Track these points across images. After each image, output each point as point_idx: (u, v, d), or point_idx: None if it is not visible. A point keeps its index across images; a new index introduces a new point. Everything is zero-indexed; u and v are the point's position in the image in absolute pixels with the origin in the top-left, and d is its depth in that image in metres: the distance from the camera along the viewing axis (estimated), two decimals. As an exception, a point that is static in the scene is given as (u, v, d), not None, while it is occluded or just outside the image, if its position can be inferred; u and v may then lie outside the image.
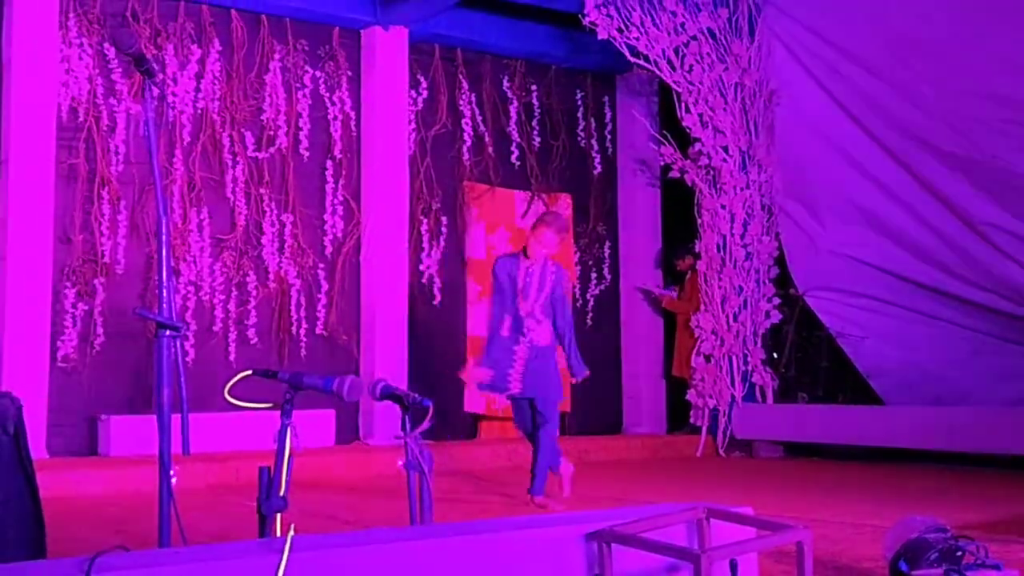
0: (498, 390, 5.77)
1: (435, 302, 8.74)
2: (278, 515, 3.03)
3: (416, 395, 3.37)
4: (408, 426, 3.31)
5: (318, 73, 8.28)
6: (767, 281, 9.12)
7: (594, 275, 9.86)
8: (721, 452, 8.96)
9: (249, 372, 3.23)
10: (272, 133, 8.01)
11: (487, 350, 5.72)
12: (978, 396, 8.43)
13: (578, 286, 9.74)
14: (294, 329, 8.02)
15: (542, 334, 5.68)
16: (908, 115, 8.24)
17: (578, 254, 9.77)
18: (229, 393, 3.15)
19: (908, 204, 8.54)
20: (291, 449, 3.08)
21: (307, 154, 8.16)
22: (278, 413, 3.10)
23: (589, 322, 9.76)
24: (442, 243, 8.84)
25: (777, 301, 9.12)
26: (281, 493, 3.02)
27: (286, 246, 8.04)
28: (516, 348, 5.62)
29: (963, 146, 7.92)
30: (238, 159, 7.86)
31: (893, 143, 8.49)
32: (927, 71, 7.99)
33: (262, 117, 7.99)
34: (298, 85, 8.16)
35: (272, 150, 8.01)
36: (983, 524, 4.60)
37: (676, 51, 8.77)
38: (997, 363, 8.50)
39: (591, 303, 9.81)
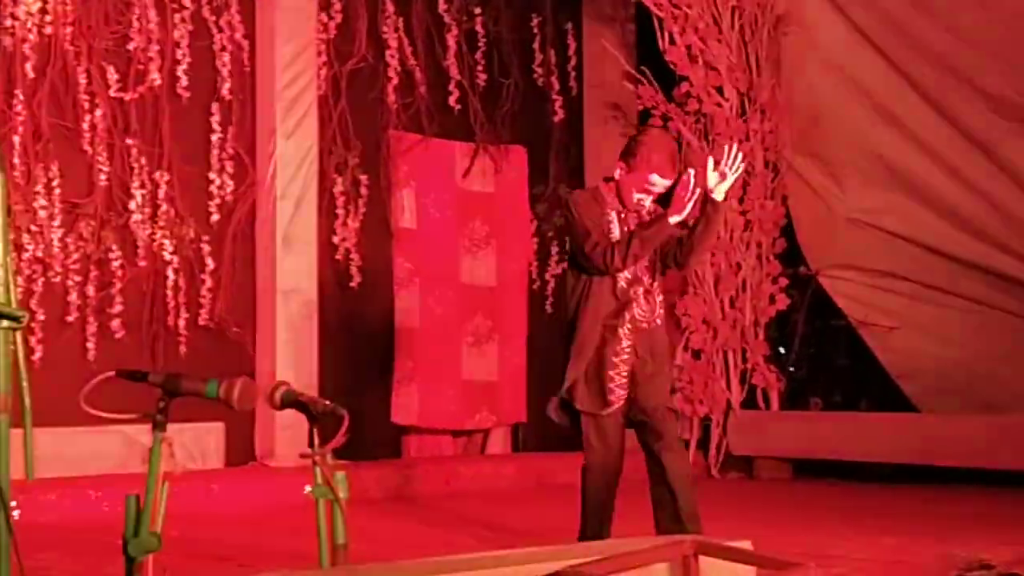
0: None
1: (352, 284, 8.71)
2: (150, 557, 3.01)
3: (328, 402, 3.36)
4: (317, 442, 3.30)
5: (201, -10, 8.19)
6: (771, 257, 9.21)
7: (555, 249, 9.88)
8: (714, 472, 9.05)
9: (112, 373, 3.20)
10: (141, 68, 7.90)
11: None
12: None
13: (535, 263, 9.76)
14: (171, 319, 7.95)
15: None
16: (950, 49, 8.35)
17: (535, 223, 9.79)
18: (86, 401, 3.12)
19: (949, 162, 8.66)
20: (166, 472, 3.05)
21: (187, 95, 8.07)
22: (149, 426, 3.08)
23: (550, 309, 9.78)
24: (361, 208, 8.80)
25: (784, 283, 9.22)
26: (154, 529, 2.99)
27: (160, 213, 7.95)
28: None
29: (1017, 90, 8.03)
30: (98, 101, 7.74)
31: (932, 84, 8.59)
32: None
33: (128, 47, 7.88)
34: (175, 6, 8.05)
35: (141, 90, 7.90)
36: (1038, 559, 4.68)
37: (658, -35, 8.80)
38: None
39: (551, 285, 9.83)
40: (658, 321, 4.90)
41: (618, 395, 4.80)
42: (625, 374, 4.80)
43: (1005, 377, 8.73)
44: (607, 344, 4.77)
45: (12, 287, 2.97)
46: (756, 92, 9.14)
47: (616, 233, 4.80)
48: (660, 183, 4.81)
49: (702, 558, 2.95)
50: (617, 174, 4.83)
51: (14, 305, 2.92)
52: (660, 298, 4.93)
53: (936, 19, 8.36)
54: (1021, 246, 8.48)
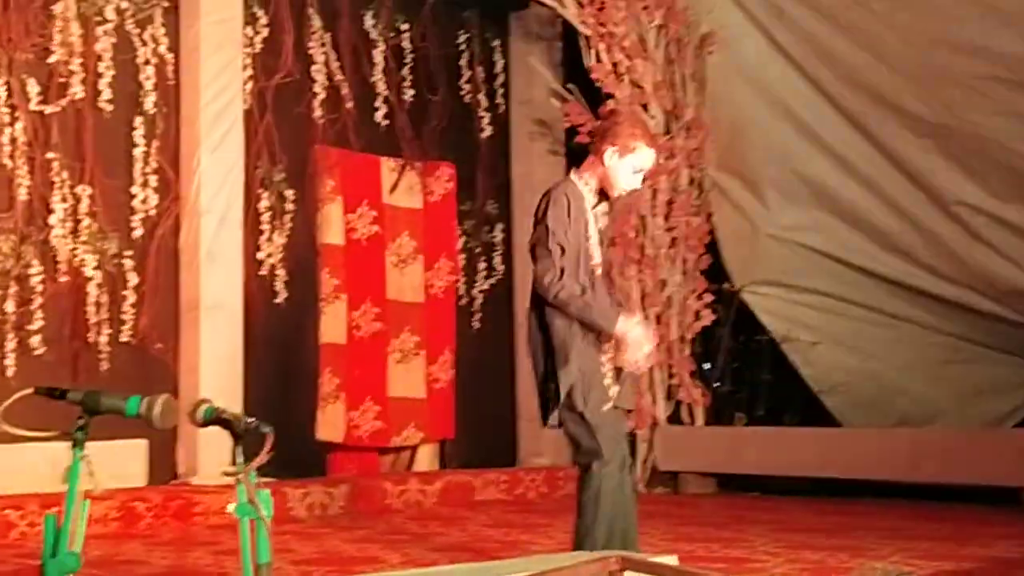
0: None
1: (278, 300, 8.64)
2: (69, 578, 2.96)
3: (251, 420, 3.32)
4: (241, 460, 3.26)
5: (124, 3, 8.09)
6: (697, 274, 9.28)
7: (482, 265, 9.89)
8: (641, 487, 9.08)
9: (31, 391, 3.15)
10: (63, 81, 7.80)
11: None
12: (951, 415, 8.73)
13: (462, 279, 9.75)
14: (92, 336, 7.84)
15: None
16: (868, 70, 8.48)
17: (463, 239, 9.79)
18: (4, 418, 3.07)
19: (868, 178, 8.79)
20: (87, 491, 3.01)
21: (110, 108, 7.98)
22: (69, 444, 3.03)
23: (477, 324, 9.79)
24: (287, 224, 8.74)
25: (709, 299, 9.29)
26: (73, 549, 2.95)
27: (82, 228, 7.84)
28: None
29: (932, 108, 8.19)
30: (18, 114, 7.63)
31: (851, 103, 8.72)
32: (890, 15, 8.22)
33: (50, 60, 7.78)
34: (98, 18, 7.97)
35: (63, 103, 7.80)
36: (958, 572, 4.76)
37: (584, -17, 8.85)
38: (974, 374, 8.82)
39: (479, 300, 9.83)
40: None
41: (614, 391, 4.66)
42: (611, 373, 4.70)
43: (921, 391, 8.90)
44: (592, 345, 4.60)
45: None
46: (681, 110, 9.22)
47: (594, 239, 4.63)
48: (651, 158, 4.67)
49: (628, 573, 2.96)
50: (610, 158, 4.57)
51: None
52: None
53: (856, 40, 8.48)
54: (936, 261, 8.64)
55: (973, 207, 8.30)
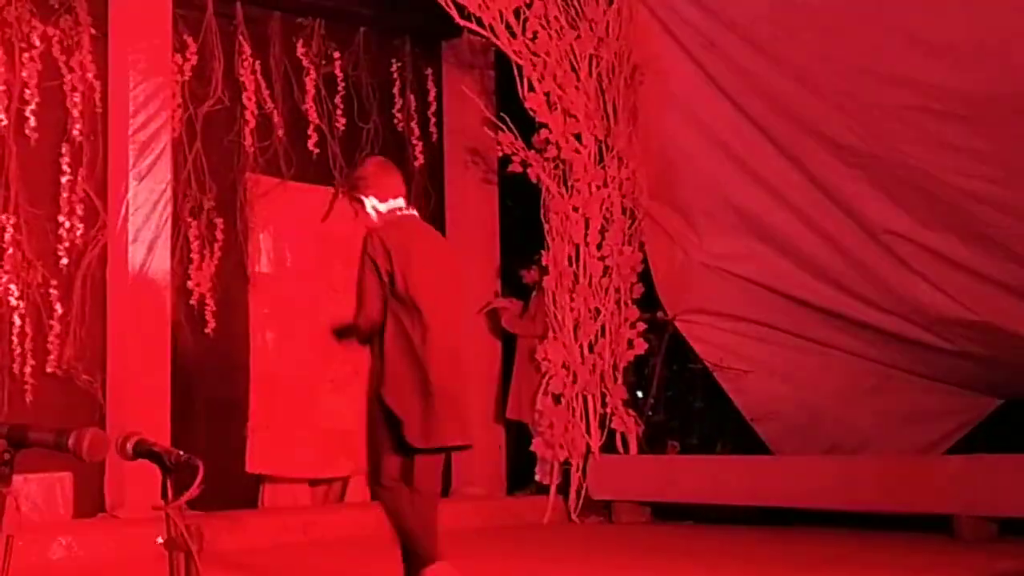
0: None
1: (207, 330, 8.54)
2: (-9, 617, 2.87)
3: (181, 453, 3.25)
4: (171, 493, 3.19)
5: (51, 30, 8.00)
6: (630, 302, 9.31)
7: (414, 294, 9.84)
8: (574, 517, 9.05)
9: (-48, 424, 3.05)
10: (-12, 107, 7.70)
11: None
12: (881, 442, 8.81)
13: (394, 308, 9.69)
14: (16, 367, 7.70)
15: None
16: (798, 99, 8.57)
17: (394, 268, 9.74)
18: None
19: (798, 207, 8.87)
20: (11, 526, 2.92)
21: (35, 136, 7.87)
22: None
23: (408, 354, 9.73)
24: (217, 253, 8.65)
25: (642, 327, 9.31)
26: (-4, 587, 2.86)
27: (6, 256, 7.72)
28: None
29: (861, 138, 8.29)
30: (-60, 140, 7.51)
31: (779, 132, 8.81)
32: (818, 44, 8.32)
33: (-27, 85, 7.67)
34: (23, 45, 7.87)
35: (-13, 129, 7.69)
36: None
37: (516, 13, 8.87)
38: (903, 401, 8.92)
39: (411, 330, 9.78)
40: None
41: None
42: None
43: (851, 418, 8.97)
44: None
45: None
46: (613, 139, 9.26)
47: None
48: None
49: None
50: (372, 205, 5.24)
51: None
52: None
53: (784, 70, 8.57)
54: (866, 289, 8.73)
55: (901, 236, 8.39)
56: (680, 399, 9.72)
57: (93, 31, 8.17)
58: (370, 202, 5.23)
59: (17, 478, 2.98)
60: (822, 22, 8.23)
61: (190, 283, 8.48)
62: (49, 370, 7.84)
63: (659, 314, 9.48)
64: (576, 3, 9.12)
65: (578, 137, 9.13)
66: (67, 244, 7.99)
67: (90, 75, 8.14)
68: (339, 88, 9.45)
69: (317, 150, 9.28)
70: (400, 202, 5.26)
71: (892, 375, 8.97)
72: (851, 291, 8.82)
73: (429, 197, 10.00)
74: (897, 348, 8.82)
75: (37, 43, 7.92)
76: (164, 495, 3.21)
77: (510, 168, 9.27)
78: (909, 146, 8.04)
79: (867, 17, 8.05)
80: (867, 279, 8.70)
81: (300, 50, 9.26)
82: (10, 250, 7.73)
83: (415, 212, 5.45)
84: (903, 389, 8.96)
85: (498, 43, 8.94)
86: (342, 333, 5.33)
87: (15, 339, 7.71)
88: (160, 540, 3.25)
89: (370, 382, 5.13)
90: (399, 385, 5.00)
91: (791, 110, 8.66)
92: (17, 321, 7.73)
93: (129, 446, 3.28)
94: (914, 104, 7.85)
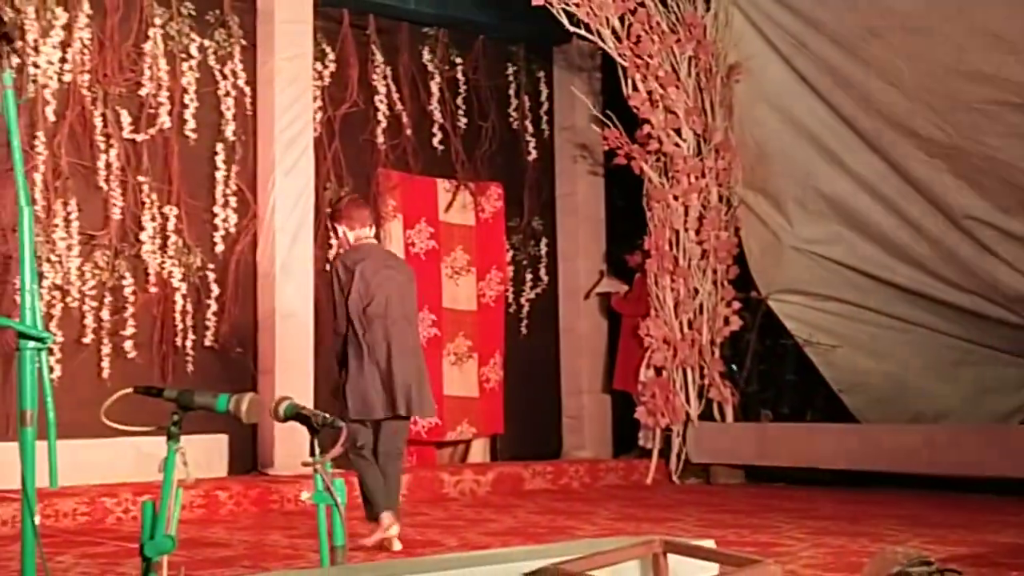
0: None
1: (345, 308, 8.67)
2: (164, 558, 2.99)
3: (327, 415, 3.34)
4: (317, 452, 3.28)
5: (207, 42, 8.18)
6: (726, 283, 9.24)
7: (529, 276, 9.89)
8: (674, 478, 9.04)
9: (130, 390, 3.18)
10: (153, 111, 7.89)
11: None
12: (962, 412, 8.63)
13: (511, 289, 9.76)
14: (179, 341, 7.91)
15: None
16: (884, 96, 8.41)
17: (511, 252, 9.80)
18: (106, 415, 3.09)
19: (883, 195, 8.72)
20: (180, 480, 3.03)
21: (194, 136, 8.06)
22: (162, 439, 3.05)
23: (524, 330, 9.78)
24: (353, 240, 8.78)
25: (737, 306, 9.24)
26: (168, 532, 2.97)
27: (169, 244, 7.92)
28: None
29: (944, 131, 8.11)
30: (112, 142, 7.72)
31: (867, 126, 8.66)
32: (904, 46, 8.16)
33: (141, 93, 7.87)
34: (183, 56, 8.05)
35: (152, 131, 7.88)
36: (971, 556, 4.71)
37: (621, 19, 8.83)
38: (983, 374, 8.71)
39: (525, 308, 9.83)
40: None
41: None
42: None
43: (934, 390, 8.79)
44: None
45: (39, 311, 2.95)
46: (711, 133, 9.18)
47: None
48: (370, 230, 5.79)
49: (670, 556, 2.95)
50: (343, 232, 5.73)
51: (40, 328, 2.90)
52: None
53: (872, 69, 8.43)
54: (948, 271, 8.55)
55: (982, 221, 8.21)
56: (772, 371, 9.61)
57: (244, 43, 8.34)
58: (342, 229, 5.74)
59: (181, 438, 3.10)
60: (908, 23, 8.07)
61: (329, 267, 8.61)
62: (207, 344, 8.04)
63: (753, 294, 9.39)
64: (676, 8, 9.06)
65: (678, 132, 9.08)
66: (222, 232, 8.17)
67: (241, 82, 8.31)
68: (461, 90, 9.51)
69: (441, 147, 9.36)
70: (367, 231, 5.74)
71: (972, 350, 8.76)
72: (934, 272, 8.64)
73: (541, 189, 10.03)
74: (977, 325, 8.61)
75: (195, 54, 8.11)
76: (312, 453, 3.31)
77: (615, 161, 9.25)
78: (990, 137, 7.86)
79: (951, 17, 7.88)
80: (949, 261, 8.52)
81: (426, 57, 9.34)
82: (173, 238, 7.94)
83: (375, 240, 5.93)
84: (983, 363, 8.74)
85: (605, 47, 8.92)
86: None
87: (178, 316, 7.93)
88: (305, 494, 3.35)
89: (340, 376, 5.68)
90: (356, 378, 5.50)
91: (877, 105, 8.51)
92: (179, 301, 7.94)
93: (281, 409, 3.39)
94: (995, 99, 7.67)
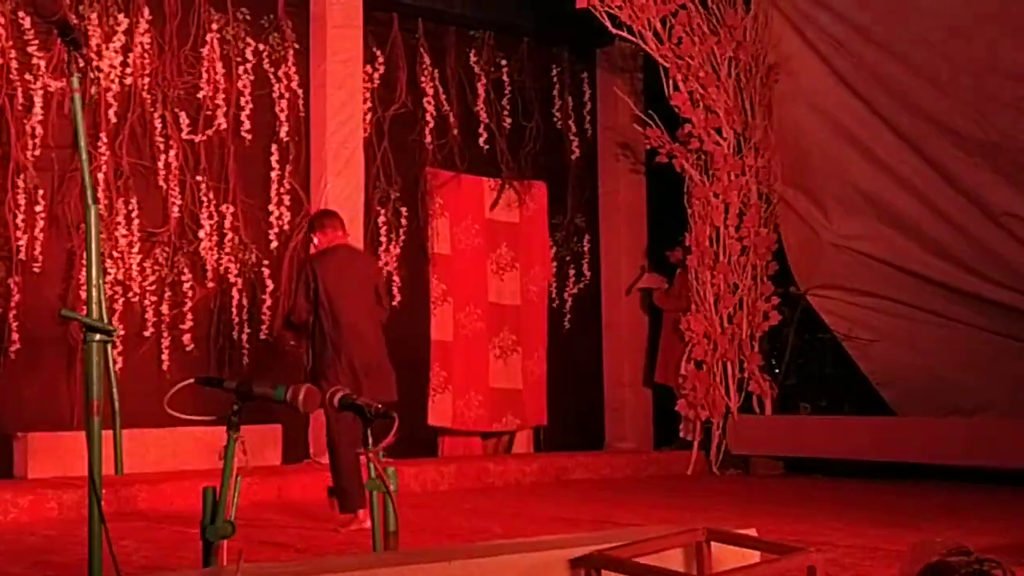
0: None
1: (394, 303, 8.71)
2: (224, 542, 3.01)
3: (380, 406, 3.36)
4: (370, 441, 3.30)
5: (261, 46, 8.24)
6: (765, 278, 9.19)
7: (572, 272, 9.88)
8: (715, 469, 9.01)
9: (191, 381, 3.21)
10: (210, 113, 7.96)
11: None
12: (1000, 405, 8.52)
13: (555, 284, 9.76)
14: (235, 334, 7.98)
15: None
16: (921, 94, 8.33)
17: (554, 249, 9.79)
18: (168, 405, 3.13)
19: (921, 192, 8.63)
20: (239, 467, 3.06)
21: (249, 137, 8.12)
22: (221, 428, 3.08)
23: (567, 324, 9.78)
24: (402, 237, 8.82)
25: (776, 301, 9.19)
26: (228, 517, 3.00)
27: (226, 240, 7.99)
28: None
29: (982, 128, 8.01)
30: (171, 143, 7.80)
31: (905, 125, 8.57)
32: (942, 46, 8.07)
33: (198, 95, 7.94)
34: (239, 59, 8.11)
35: (210, 133, 7.96)
36: (1009, 546, 4.66)
37: (663, 21, 8.81)
38: (1018, 369, 8.59)
39: (569, 303, 9.83)
40: None
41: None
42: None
43: (972, 384, 8.68)
44: None
45: (104, 305, 2.98)
46: (750, 132, 9.13)
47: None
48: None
49: (714, 544, 2.94)
50: (316, 242, 6.09)
51: (105, 322, 2.93)
52: None
53: (909, 67, 8.35)
54: (983, 266, 8.44)
55: (1020, 217, 8.11)
56: (811, 365, 9.54)
57: (296, 47, 8.39)
58: (316, 239, 6.11)
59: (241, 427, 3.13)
60: (944, 23, 7.99)
61: (379, 263, 8.66)
62: (262, 336, 8.11)
63: (792, 289, 9.34)
64: (717, 11, 9.01)
65: (718, 131, 9.04)
66: (276, 230, 8.23)
67: (294, 85, 8.36)
68: (506, 91, 9.52)
69: (487, 146, 9.38)
70: (338, 240, 6.06)
71: (1009, 345, 8.64)
72: (971, 269, 8.54)
73: (584, 187, 10.02)
74: (1015, 320, 8.50)
75: (250, 58, 8.17)
76: (365, 443, 3.32)
77: (657, 159, 9.22)
78: (1027, 134, 7.76)
79: (987, 17, 7.79)
80: (987, 258, 8.41)
81: (472, 59, 9.35)
82: (229, 235, 8.01)
83: (346, 242, 6.24)
84: (1020, 358, 8.64)
85: (647, 48, 8.89)
86: (285, 326, 6.33)
87: (234, 311, 8.00)
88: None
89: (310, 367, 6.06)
90: (324, 366, 5.81)
91: (915, 104, 8.43)
92: (236, 296, 8.01)
93: (336, 399, 3.41)
94: (1032, 96, 7.58)
